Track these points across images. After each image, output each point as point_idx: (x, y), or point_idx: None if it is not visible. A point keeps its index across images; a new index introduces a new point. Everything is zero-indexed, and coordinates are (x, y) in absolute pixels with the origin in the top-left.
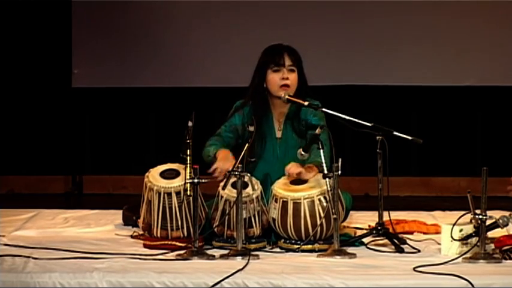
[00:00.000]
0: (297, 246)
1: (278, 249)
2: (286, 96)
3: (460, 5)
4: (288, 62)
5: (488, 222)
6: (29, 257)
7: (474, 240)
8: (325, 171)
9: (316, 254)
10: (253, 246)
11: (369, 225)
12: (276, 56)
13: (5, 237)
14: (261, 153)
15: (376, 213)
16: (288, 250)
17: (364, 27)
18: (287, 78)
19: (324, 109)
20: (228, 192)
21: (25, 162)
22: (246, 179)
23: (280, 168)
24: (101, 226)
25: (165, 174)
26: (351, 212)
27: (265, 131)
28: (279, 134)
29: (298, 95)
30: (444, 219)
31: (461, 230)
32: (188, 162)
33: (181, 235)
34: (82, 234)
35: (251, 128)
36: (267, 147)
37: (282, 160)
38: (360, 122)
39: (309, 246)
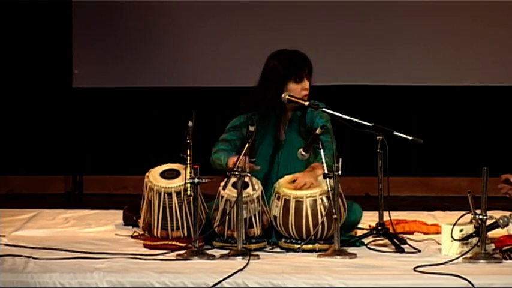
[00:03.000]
0: (298, 246)
1: (278, 249)
2: (287, 97)
3: (459, 5)
4: (306, 71)
5: (488, 222)
6: (29, 257)
7: (474, 240)
8: (326, 171)
9: (316, 254)
10: (253, 246)
11: (369, 225)
12: (299, 70)
13: (5, 237)
14: (257, 153)
15: (376, 213)
16: (288, 250)
17: (364, 27)
18: (308, 89)
19: (324, 109)
20: (229, 192)
21: (25, 162)
22: (247, 179)
23: (281, 171)
24: (101, 226)
25: (165, 174)
26: None
27: (268, 137)
28: (282, 137)
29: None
30: (444, 219)
31: (461, 230)
32: (188, 162)
33: (182, 235)
34: (82, 234)
35: (251, 128)
36: (269, 152)
37: (285, 163)
38: (360, 122)
39: (310, 246)
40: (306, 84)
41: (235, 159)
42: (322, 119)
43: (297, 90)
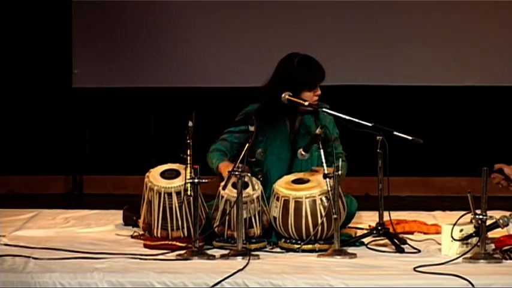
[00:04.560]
0: (298, 246)
1: (278, 249)
2: (287, 97)
3: (460, 5)
4: (320, 81)
5: (488, 222)
6: (29, 257)
7: (474, 240)
8: (326, 171)
9: (316, 254)
10: (253, 246)
11: (369, 225)
12: (317, 80)
13: (5, 237)
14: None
15: (376, 213)
16: (288, 250)
17: (364, 27)
18: (319, 94)
19: (324, 109)
20: (229, 192)
21: (25, 162)
22: (247, 179)
23: (283, 169)
24: (101, 226)
25: (165, 174)
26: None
27: (278, 143)
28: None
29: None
30: (444, 219)
31: (461, 230)
32: (188, 162)
33: (182, 235)
34: (82, 234)
35: (251, 128)
36: (280, 145)
37: (298, 167)
38: (361, 122)
39: (310, 246)
40: (318, 91)
41: (226, 165)
42: (335, 128)
43: (310, 96)
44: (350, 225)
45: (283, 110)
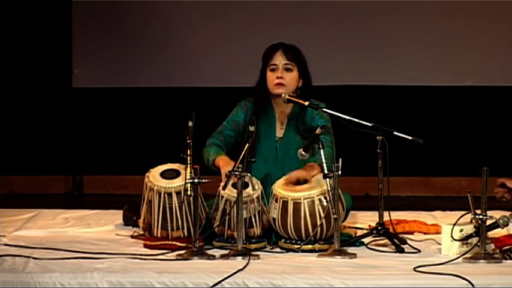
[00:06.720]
0: (298, 246)
1: (278, 249)
2: (287, 96)
3: (459, 5)
4: (283, 60)
5: (488, 222)
6: (29, 257)
7: (474, 240)
8: (326, 171)
9: (316, 254)
10: (253, 246)
11: (369, 225)
12: (272, 55)
13: (5, 237)
14: (256, 151)
15: (376, 213)
16: (288, 250)
17: (364, 27)
18: (281, 77)
19: (324, 109)
20: (229, 192)
21: (25, 162)
22: (247, 179)
23: (280, 168)
24: (101, 226)
25: (165, 174)
26: (352, 212)
27: (262, 130)
28: (280, 134)
29: (300, 95)
30: (444, 219)
31: (461, 230)
32: (188, 162)
33: (182, 235)
34: (82, 234)
35: (251, 128)
36: (266, 146)
37: (283, 160)
38: (361, 122)
39: (309, 246)
40: (278, 72)
41: (224, 159)
42: (322, 119)
43: (271, 79)
44: (350, 225)
45: (262, 97)
